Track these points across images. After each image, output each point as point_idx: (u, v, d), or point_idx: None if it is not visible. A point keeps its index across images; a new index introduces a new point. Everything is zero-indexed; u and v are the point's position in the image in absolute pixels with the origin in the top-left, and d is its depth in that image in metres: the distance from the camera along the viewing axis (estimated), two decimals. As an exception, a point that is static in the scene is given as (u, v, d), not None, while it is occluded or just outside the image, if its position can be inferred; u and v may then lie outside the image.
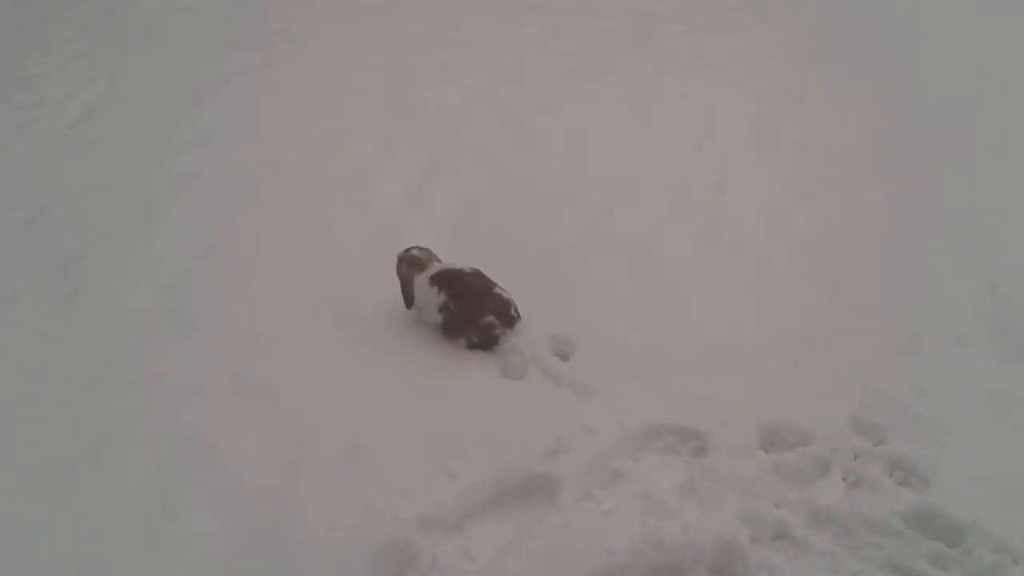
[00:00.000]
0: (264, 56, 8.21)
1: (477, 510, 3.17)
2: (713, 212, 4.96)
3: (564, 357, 3.94)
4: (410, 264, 4.14)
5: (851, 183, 5.11)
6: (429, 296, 4.02)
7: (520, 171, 5.56)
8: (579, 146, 5.84)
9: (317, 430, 3.57)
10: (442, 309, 3.99)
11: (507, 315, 3.98)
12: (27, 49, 8.96)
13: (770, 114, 6.01)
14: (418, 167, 5.71)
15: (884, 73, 6.58)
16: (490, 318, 3.93)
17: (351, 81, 7.30)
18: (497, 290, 4.01)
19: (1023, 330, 3.90)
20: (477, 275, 4.04)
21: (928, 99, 6.07)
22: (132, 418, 3.70)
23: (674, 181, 5.29)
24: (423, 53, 7.81)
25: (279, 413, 3.69)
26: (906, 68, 6.62)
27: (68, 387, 3.94)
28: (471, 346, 3.98)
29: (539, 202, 5.17)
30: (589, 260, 4.60)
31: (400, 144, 6.09)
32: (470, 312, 3.94)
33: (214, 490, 3.34)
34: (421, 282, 4.06)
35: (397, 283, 4.23)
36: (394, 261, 4.26)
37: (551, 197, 5.22)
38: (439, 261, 4.17)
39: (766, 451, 3.39)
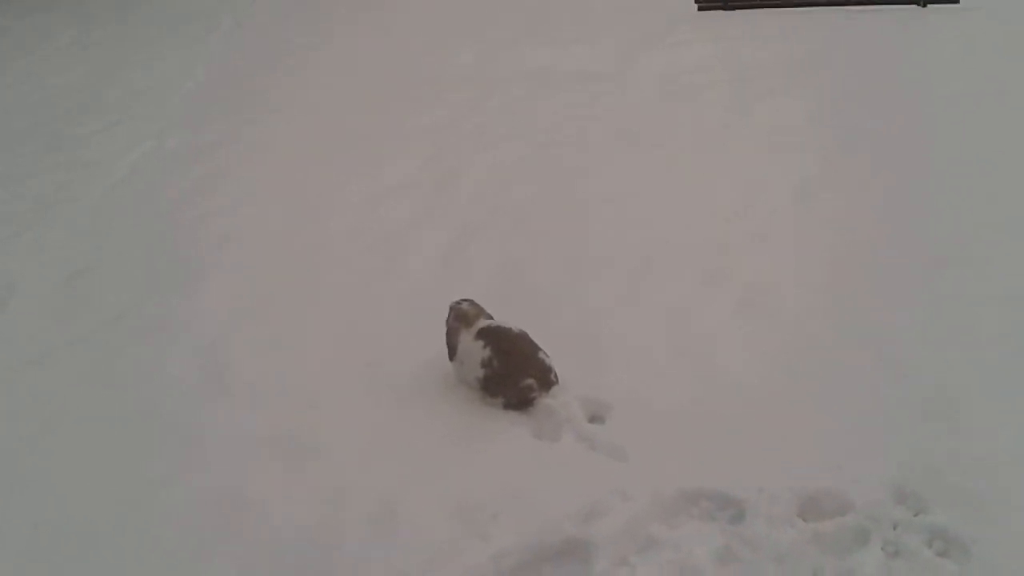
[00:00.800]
0: (304, 120, 8.38)
1: (510, 574, 3.15)
2: (750, 278, 4.93)
3: (599, 419, 3.93)
4: (457, 317, 4.17)
5: (891, 254, 5.05)
6: (473, 350, 4.03)
7: (559, 235, 5.59)
8: (618, 211, 5.86)
9: (351, 490, 3.59)
10: (485, 365, 3.99)
11: (546, 380, 3.99)
12: (75, 110, 9.24)
13: (811, 183, 5.99)
14: (457, 230, 5.76)
15: (924, 147, 6.55)
16: (530, 381, 3.94)
17: (392, 146, 7.42)
18: (541, 355, 4.03)
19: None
20: (524, 337, 4.06)
21: (968, 172, 6.02)
22: (169, 477, 3.77)
23: (712, 247, 5.28)
24: (465, 119, 7.92)
25: (313, 473, 3.72)
26: (954, 139, 6.57)
27: (107, 445, 4.02)
28: (507, 406, 3.98)
29: (577, 265, 5.19)
30: (625, 323, 4.60)
31: (440, 207, 6.16)
32: (512, 372, 3.95)
33: (247, 548, 3.38)
34: (467, 336, 4.08)
35: (434, 344, 4.26)
36: (431, 322, 4.30)
37: (589, 260, 5.24)
38: (489, 318, 4.19)
39: (804, 519, 3.33)
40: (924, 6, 10.43)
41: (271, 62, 10.64)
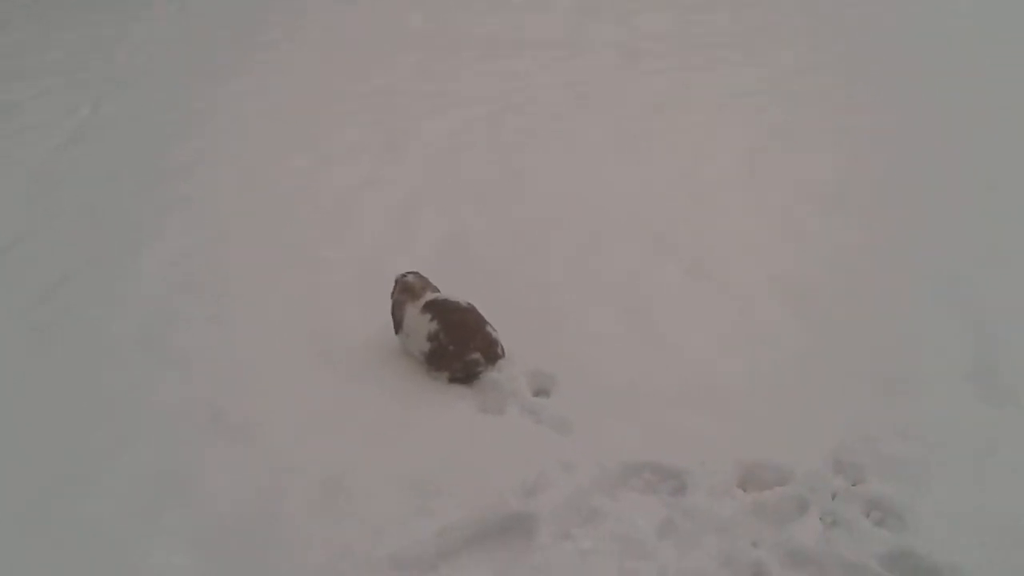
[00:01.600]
0: (252, 85, 8.23)
1: (453, 549, 3.14)
2: (698, 250, 4.95)
3: (544, 393, 3.92)
4: (403, 290, 4.13)
5: (838, 223, 5.11)
6: (420, 323, 3.99)
7: (506, 205, 5.56)
8: (566, 181, 5.84)
9: (294, 465, 3.55)
10: (431, 339, 3.95)
11: (492, 353, 3.97)
12: (10, 75, 8.97)
13: (757, 152, 6.03)
14: (404, 198, 5.71)
15: (872, 113, 6.61)
16: (476, 355, 3.91)
17: (339, 111, 7.32)
18: (488, 328, 4.00)
19: (1006, 374, 3.88)
20: (471, 310, 4.03)
21: (917, 139, 6.09)
22: (109, 451, 3.69)
23: (660, 218, 5.28)
24: (413, 85, 7.84)
25: (256, 447, 3.67)
26: (894, 108, 6.65)
27: (46, 418, 3.92)
28: (453, 380, 3.96)
29: (525, 236, 5.17)
30: (573, 295, 4.59)
31: (387, 175, 6.09)
32: (458, 346, 3.91)
33: (188, 524, 3.32)
34: (413, 309, 4.04)
35: (380, 315, 4.22)
36: (378, 293, 4.26)
37: (537, 231, 5.21)
38: (436, 290, 4.15)
39: (744, 490, 3.37)
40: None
41: (216, 26, 10.43)
